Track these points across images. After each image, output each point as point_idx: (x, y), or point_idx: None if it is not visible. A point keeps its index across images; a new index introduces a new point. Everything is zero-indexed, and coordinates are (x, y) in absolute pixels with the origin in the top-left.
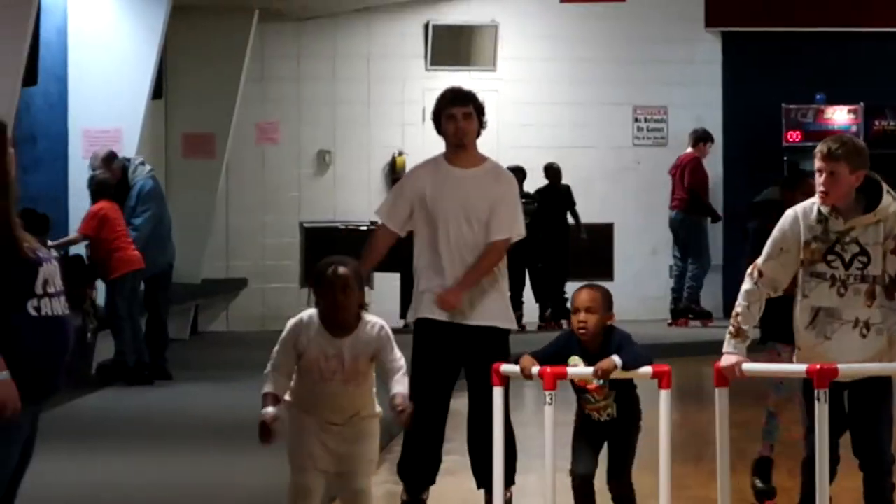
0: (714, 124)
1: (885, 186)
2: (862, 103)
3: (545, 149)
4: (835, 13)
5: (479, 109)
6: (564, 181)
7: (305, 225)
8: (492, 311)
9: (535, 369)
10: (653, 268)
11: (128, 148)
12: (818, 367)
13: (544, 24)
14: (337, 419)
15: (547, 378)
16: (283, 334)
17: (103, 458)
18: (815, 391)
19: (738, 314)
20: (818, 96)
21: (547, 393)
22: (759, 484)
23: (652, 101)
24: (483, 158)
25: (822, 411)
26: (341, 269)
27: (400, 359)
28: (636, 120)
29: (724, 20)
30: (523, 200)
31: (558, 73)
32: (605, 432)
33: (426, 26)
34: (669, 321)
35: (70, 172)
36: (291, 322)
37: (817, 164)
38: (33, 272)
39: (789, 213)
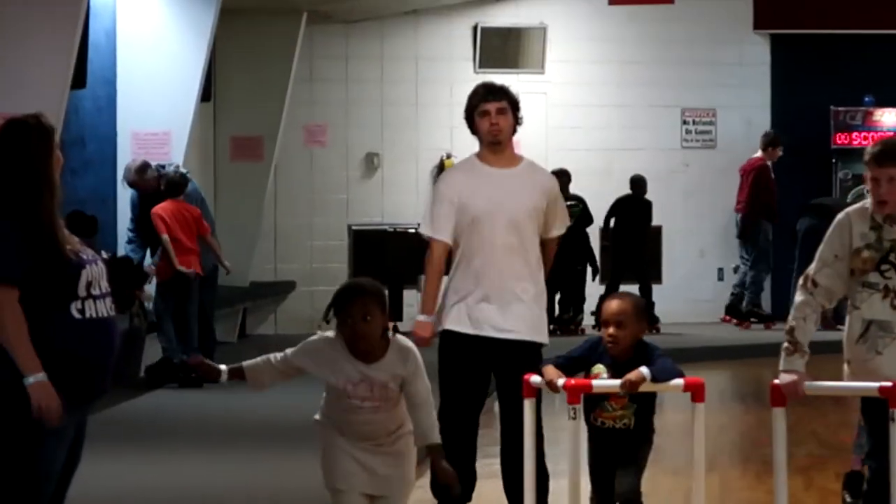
0: (762, 126)
1: None
2: None
3: (593, 151)
4: (882, 15)
5: (514, 104)
6: (613, 183)
7: (353, 227)
8: (528, 323)
9: (561, 381)
10: (701, 270)
11: (176, 150)
12: (893, 384)
13: (592, 27)
14: (371, 443)
15: (571, 392)
16: (305, 343)
17: (153, 460)
18: (891, 411)
19: (793, 329)
20: (867, 98)
21: (571, 407)
22: (848, 499)
23: (700, 104)
24: (520, 158)
25: (893, 431)
26: (362, 297)
27: (427, 389)
28: (684, 122)
29: (773, 22)
30: (568, 203)
31: (606, 75)
32: (618, 442)
33: (474, 28)
34: (723, 316)
35: (118, 175)
36: (319, 338)
37: (872, 171)
38: (76, 274)
39: (841, 218)
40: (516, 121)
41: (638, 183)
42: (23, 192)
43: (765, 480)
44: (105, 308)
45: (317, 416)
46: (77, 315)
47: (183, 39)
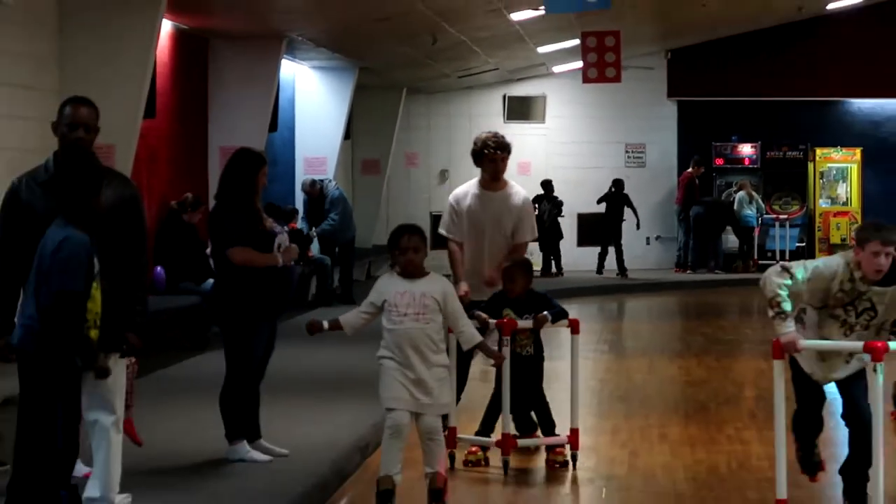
0: (672, 155)
1: None
2: (760, 141)
3: (574, 169)
4: (743, 86)
5: (510, 152)
6: (587, 187)
7: (432, 213)
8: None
9: (493, 322)
10: (636, 239)
11: (330, 168)
12: (878, 344)
13: (573, 95)
14: (418, 357)
15: (506, 328)
16: (374, 286)
17: (321, 349)
18: (874, 364)
19: (779, 302)
20: (734, 137)
21: (505, 338)
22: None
23: (636, 141)
24: (506, 183)
25: (876, 382)
26: (411, 234)
27: (461, 308)
28: (626, 152)
29: (678, 93)
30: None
31: (581, 124)
32: (526, 364)
33: (504, 97)
34: (674, 269)
35: (296, 184)
36: (381, 276)
37: (876, 247)
38: (272, 238)
39: (840, 264)
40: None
41: (619, 183)
42: (246, 192)
43: (658, 367)
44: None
45: (378, 353)
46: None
47: (333, 101)
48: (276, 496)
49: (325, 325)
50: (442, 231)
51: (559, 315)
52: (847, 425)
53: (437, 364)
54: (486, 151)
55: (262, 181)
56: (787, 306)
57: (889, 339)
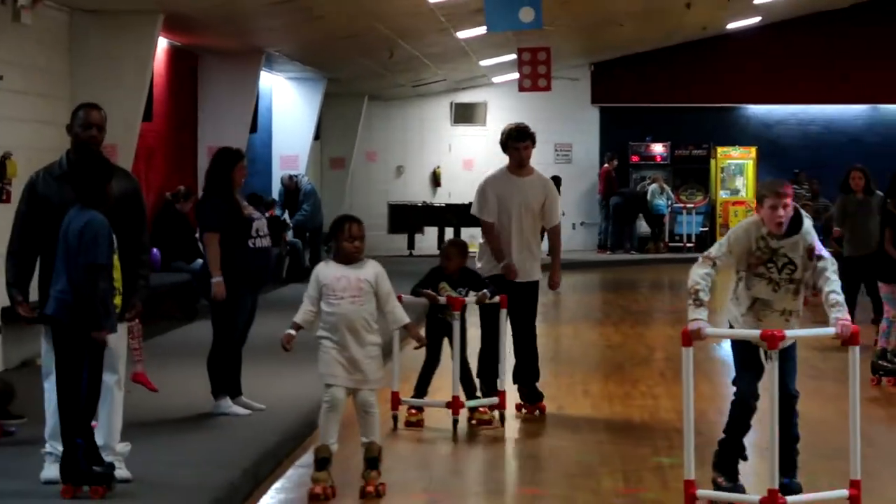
0: (595, 153)
1: (801, 213)
2: (669, 141)
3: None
4: (655, 94)
5: (533, 139)
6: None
7: (390, 202)
8: (536, 270)
9: (443, 298)
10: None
11: (301, 164)
12: (770, 332)
13: (509, 102)
14: (353, 338)
15: (457, 303)
16: (312, 275)
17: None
18: (769, 352)
19: (697, 290)
20: (647, 138)
21: (455, 313)
22: (884, 364)
23: (564, 141)
24: (532, 169)
25: (773, 368)
26: (352, 222)
27: (391, 289)
28: (556, 151)
29: (600, 99)
30: None
31: None
32: (453, 327)
33: (451, 104)
34: (597, 250)
35: (273, 178)
36: (319, 265)
37: (772, 199)
38: (250, 224)
39: (751, 223)
40: (533, 145)
41: (556, 179)
42: (225, 184)
43: (551, 331)
44: (265, 242)
45: (317, 333)
46: (251, 245)
47: (304, 107)
48: (255, 444)
49: (293, 332)
50: (476, 213)
51: (494, 293)
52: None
53: (370, 343)
54: (509, 142)
55: (241, 174)
56: (704, 295)
57: (807, 296)
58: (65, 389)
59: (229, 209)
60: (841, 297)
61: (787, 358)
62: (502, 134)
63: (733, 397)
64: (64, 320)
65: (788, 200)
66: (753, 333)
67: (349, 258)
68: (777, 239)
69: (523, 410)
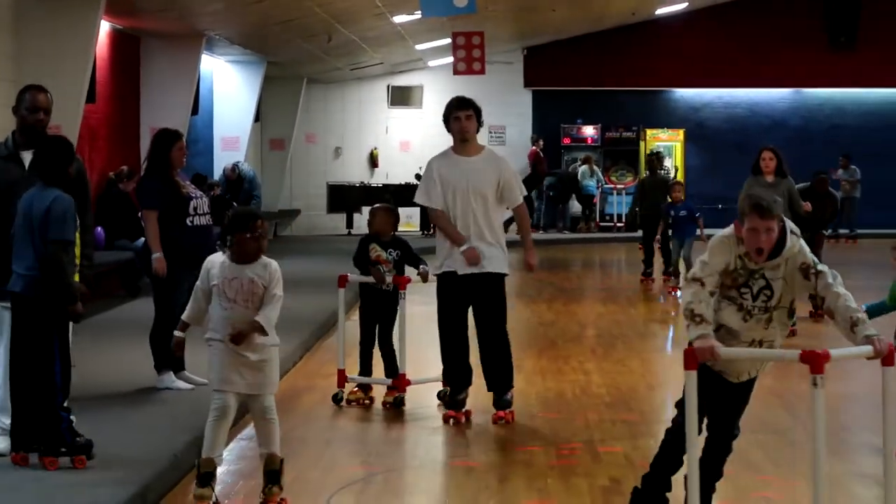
0: (527, 134)
1: (787, 229)
2: (600, 124)
3: (446, 146)
4: (586, 78)
5: (478, 111)
6: None
7: (329, 183)
8: (498, 261)
9: (389, 278)
10: None
11: (242, 145)
12: (813, 352)
13: (445, 85)
14: (247, 346)
15: (403, 282)
16: (202, 269)
17: None
18: (812, 376)
19: (692, 309)
20: (578, 120)
21: (402, 292)
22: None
23: (497, 123)
24: (481, 147)
25: (818, 396)
26: (256, 220)
27: (278, 296)
28: (490, 132)
29: (532, 83)
30: None
31: None
32: (387, 298)
33: (388, 86)
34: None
35: (214, 159)
36: (210, 258)
37: (752, 222)
38: (187, 203)
39: (726, 243)
40: (479, 123)
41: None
42: (163, 164)
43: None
44: (205, 220)
45: (206, 336)
46: (189, 223)
47: (245, 89)
48: (197, 417)
49: (181, 335)
50: (421, 200)
51: (417, 258)
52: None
53: (265, 345)
54: (448, 111)
55: (180, 154)
56: (702, 308)
57: (783, 328)
58: (36, 365)
59: (167, 188)
60: (863, 313)
61: (747, 390)
62: (445, 108)
63: (670, 425)
64: (31, 296)
65: (773, 225)
66: (792, 354)
67: (249, 257)
68: (754, 260)
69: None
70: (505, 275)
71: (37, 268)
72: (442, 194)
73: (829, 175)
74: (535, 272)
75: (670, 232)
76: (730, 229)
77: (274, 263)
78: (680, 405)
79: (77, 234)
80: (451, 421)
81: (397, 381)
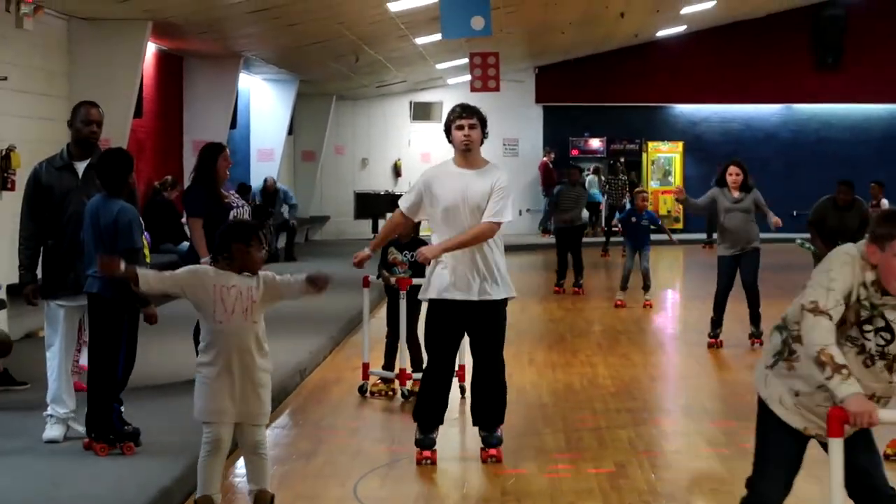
0: (538, 147)
1: None
2: (606, 136)
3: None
4: (593, 94)
5: (483, 121)
6: None
7: (356, 191)
8: (494, 287)
9: (393, 279)
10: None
11: (277, 156)
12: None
13: (462, 101)
14: (239, 367)
15: (403, 284)
16: (189, 266)
17: None
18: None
19: (833, 355)
20: (586, 133)
21: (402, 293)
22: None
23: (511, 136)
24: (483, 161)
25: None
26: (258, 232)
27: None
28: (504, 144)
29: (543, 98)
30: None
31: None
32: (410, 297)
33: (410, 102)
34: (540, 233)
35: (251, 170)
36: (201, 264)
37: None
38: (227, 211)
39: (852, 262)
40: (484, 134)
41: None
42: (209, 175)
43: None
44: None
45: (199, 360)
46: None
47: (278, 106)
48: None
49: (123, 269)
50: (402, 205)
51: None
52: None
53: (261, 368)
54: (451, 118)
55: (225, 164)
56: (841, 358)
57: None
58: (104, 359)
59: (211, 197)
60: None
61: (870, 450)
62: (447, 115)
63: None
64: (106, 296)
65: None
66: None
67: (247, 270)
68: (883, 293)
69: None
70: (508, 299)
71: None
72: (439, 214)
73: (851, 185)
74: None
75: (624, 239)
76: (854, 248)
77: (270, 273)
78: (752, 480)
79: (144, 242)
80: (427, 462)
81: (399, 375)
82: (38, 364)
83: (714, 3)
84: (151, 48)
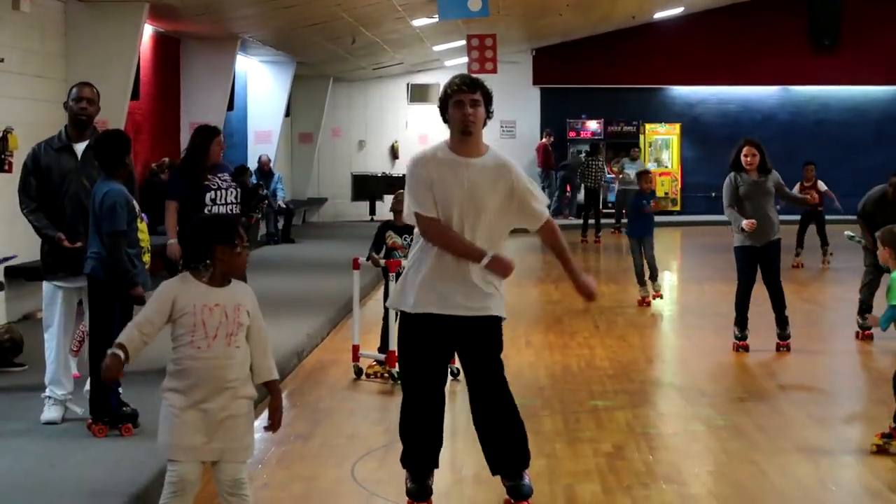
0: (536, 129)
1: None
2: (603, 118)
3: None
4: (590, 76)
5: (488, 97)
6: None
7: (353, 173)
8: (489, 300)
9: (383, 261)
10: None
11: (274, 138)
12: None
13: None
14: (215, 399)
15: (392, 266)
16: (155, 294)
17: (266, 276)
18: None
19: None
20: (583, 115)
21: (391, 274)
22: None
23: (509, 118)
24: (485, 147)
25: None
26: (240, 230)
27: (265, 329)
28: (502, 127)
29: (540, 80)
30: None
31: None
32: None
33: (407, 85)
34: None
35: (248, 152)
36: (167, 282)
37: None
38: (204, 191)
39: None
40: (488, 114)
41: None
42: (198, 157)
43: None
44: (223, 210)
45: (165, 384)
46: (206, 214)
47: (275, 88)
48: None
49: (121, 354)
50: (424, 210)
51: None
52: None
53: (243, 396)
54: (449, 92)
55: (218, 148)
56: None
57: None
58: (99, 339)
59: (187, 179)
60: None
61: None
62: (444, 88)
63: None
64: (99, 277)
65: None
66: None
67: (234, 275)
68: None
69: None
70: (503, 319)
71: (102, 252)
72: (433, 200)
73: None
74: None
75: (626, 222)
76: None
77: (246, 286)
78: None
79: (140, 220)
80: None
81: (388, 358)
82: (36, 346)
83: None
84: (148, 30)
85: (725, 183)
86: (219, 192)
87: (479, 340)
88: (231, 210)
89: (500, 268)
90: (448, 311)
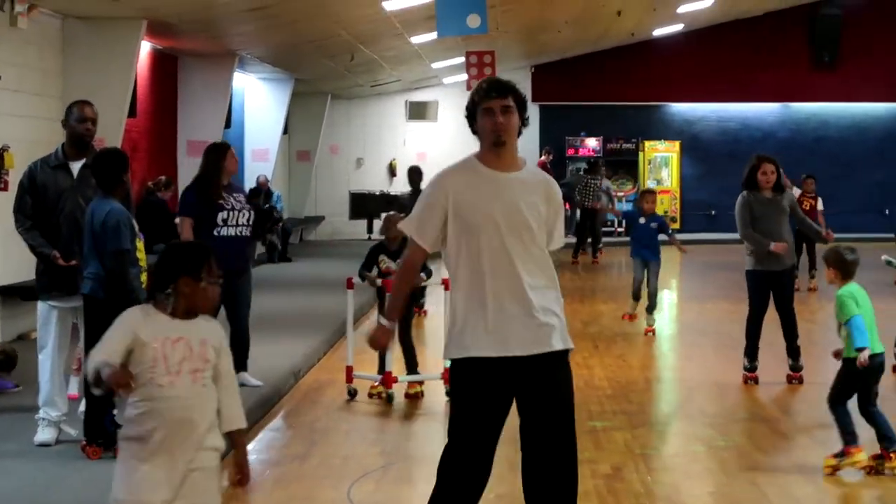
0: (535, 145)
1: None
2: (602, 136)
3: (459, 156)
4: (589, 93)
5: (521, 102)
6: None
7: (351, 191)
8: (544, 335)
9: (379, 281)
10: None
11: (272, 156)
12: None
13: (458, 101)
14: (181, 449)
15: (389, 285)
16: (115, 325)
17: (261, 298)
18: None
19: None
20: (582, 133)
21: (388, 294)
22: None
23: None
24: (521, 160)
25: None
26: (211, 258)
27: (233, 370)
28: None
29: (539, 98)
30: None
31: (464, 122)
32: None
33: (406, 102)
34: None
35: (246, 171)
36: (125, 314)
37: None
38: (217, 210)
39: None
40: (522, 121)
41: (416, 169)
42: (210, 175)
43: None
44: (233, 231)
45: (123, 431)
46: (216, 234)
47: (273, 105)
48: (251, 413)
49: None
50: (418, 235)
51: (429, 274)
52: None
53: (209, 447)
54: (476, 99)
55: (233, 161)
56: None
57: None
58: None
59: (201, 198)
60: None
61: None
62: (472, 94)
63: None
64: (99, 297)
65: None
66: None
67: (199, 310)
68: None
69: None
70: (569, 351)
71: (101, 272)
72: (457, 233)
73: None
74: None
75: (631, 249)
76: None
77: (214, 321)
78: None
79: (139, 240)
80: None
81: (384, 379)
82: (31, 366)
83: (711, 1)
84: (146, 47)
85: (739, 202)
86: (231, 213)
87: (546, 382)
88: (241, 232)
89: (376, 340)
90: (507, 352)
